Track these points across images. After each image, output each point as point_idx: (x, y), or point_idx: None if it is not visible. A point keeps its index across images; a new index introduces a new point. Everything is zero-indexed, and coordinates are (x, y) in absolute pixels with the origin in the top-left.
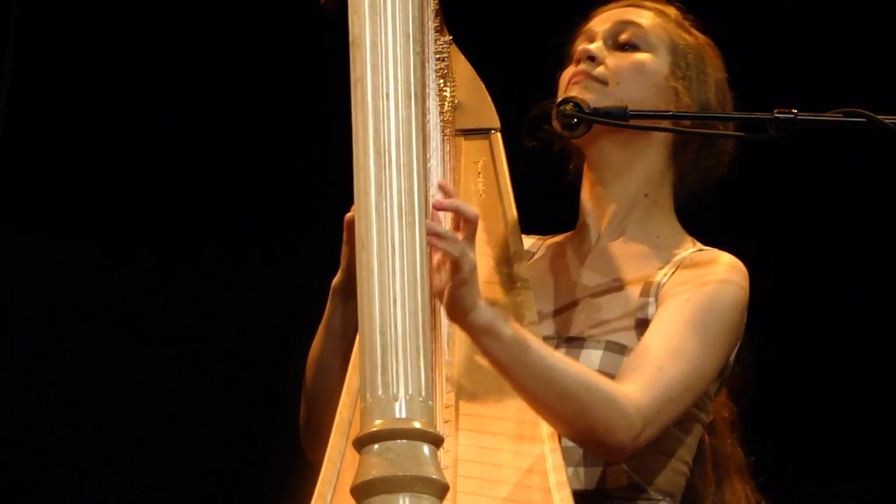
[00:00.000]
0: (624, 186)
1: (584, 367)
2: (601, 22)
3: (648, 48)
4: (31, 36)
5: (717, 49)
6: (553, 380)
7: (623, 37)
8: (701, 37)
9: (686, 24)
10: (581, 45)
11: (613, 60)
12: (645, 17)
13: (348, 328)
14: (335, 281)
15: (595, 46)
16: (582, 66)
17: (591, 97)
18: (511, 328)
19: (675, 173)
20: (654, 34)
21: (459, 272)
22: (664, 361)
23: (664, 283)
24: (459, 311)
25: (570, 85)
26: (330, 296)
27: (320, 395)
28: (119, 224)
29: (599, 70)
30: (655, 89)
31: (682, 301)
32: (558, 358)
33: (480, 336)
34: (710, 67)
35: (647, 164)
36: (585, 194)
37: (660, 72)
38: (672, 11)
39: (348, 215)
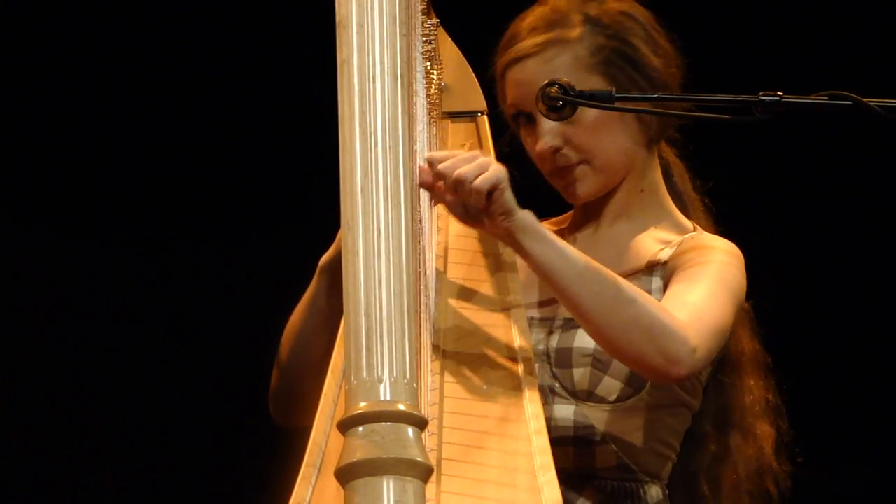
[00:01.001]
0: (618, 196)
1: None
2: (519, 91)
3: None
4: (10, 30)
5: (635, 7)
6: (605, 283)
7: None
8: (599, 11)
9: (583, 15)
10: (519, 116)
11: (570, 137)
12: (559, 68)
13: (333, 307)
14: (324, 258)
15: (547, 135)
16: (555, 165)
17: (586, 185)
18: (550, 232)
19: (658, 155)
20: (577, 77)
21: (498, 181)
22: (699, 301)
23: (669, 260)
24: (502, 217)
25: (556, 182)
26: (317, 273)
27: (299, 367)
28: (108, 217)
29: (570, 155)
30: (616, 119)
31: (698, 265)
32: (604, 267)
33: (525, 236)
34: (639, 48)
35: (634, 172)
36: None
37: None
38: (571, 21)
39: None
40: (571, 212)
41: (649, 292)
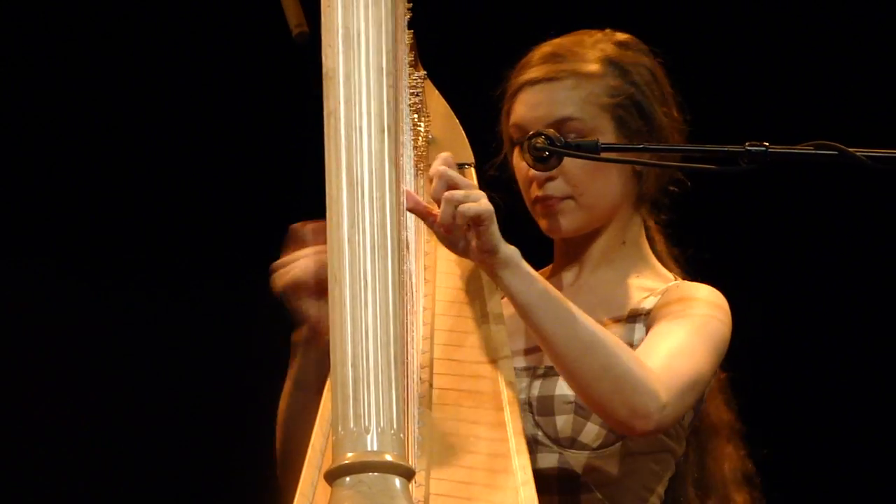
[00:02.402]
0: (600, 243)
1: (605, 330)
2: (531, 113)
3: (591, 132)
4: None
5: (649, 56)
6: (580, 329)
7: (563, 135)
8: (629, 61)
9: (611, 60)
10: (520, 138)
11: (565, 170)
12: (574, 102)
13: (318, 379)
14: (296, 336)
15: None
16: (543, 194)
17: (567, 220)
18: (534, 273)
19: (643, 205)
20: (590, 116)
21: (482, 214)
22: (672, 355)
23: (651, 309)
24: (488, 248)
25: (537, 209)
26: (293, 352)
27: (298, 447)
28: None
29: (561, 187)
30: (615, 168)
31: (678, 318)
32: (582, 313)
33: (505, 272)
34: (652, 99)
35: (618, 220)
36: (559, 245)
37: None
38: (592, 59)
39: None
40: (550, 266)
41: (632, 342)
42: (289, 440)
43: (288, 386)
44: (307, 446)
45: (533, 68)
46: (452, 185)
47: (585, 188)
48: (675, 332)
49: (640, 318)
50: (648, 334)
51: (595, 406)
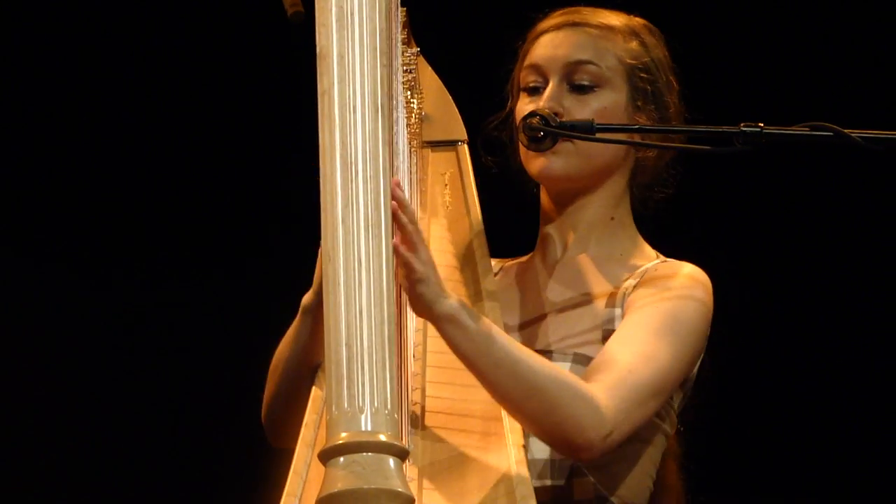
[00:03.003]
0: (588, 214)
1: (552, 364)
2: (549, 52)
3: (605, 83)
4: None
5: (666, 46)
6: (521, 374)
7: (577, 77)
8: (650, 41)
9: (634, 30)
10: (532, 81)
11: (574, 112)
12: (596, 49)
13: (315, 343)
14: (306, 298)
15: (551, 99)
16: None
17: (561, 162)
18: (478, 320)
19: (634, 192)
20: (607, 66)
21: (413, 272)
22: (633, 365)
23: (630, 294)
24: (423, 306)
25: (532, 152)
26: (300, 312)
27: (286, 398)
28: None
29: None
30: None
31: (649, 310)
32: (527, 353)
33: (446, 326)
34: (664, 82)
35: (609, 190)
36: (547, 217)
37: (620, 108)
38: (617, 22)
39: None
40: (530, 255)
41: (612, 327)
42: (280, 387)
43: (287, 339)
44: (296, 392)
45: (558, 16)
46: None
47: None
48: (640, 331)
49: (619, 302)
50: (618, 328)
51: (540, 438)
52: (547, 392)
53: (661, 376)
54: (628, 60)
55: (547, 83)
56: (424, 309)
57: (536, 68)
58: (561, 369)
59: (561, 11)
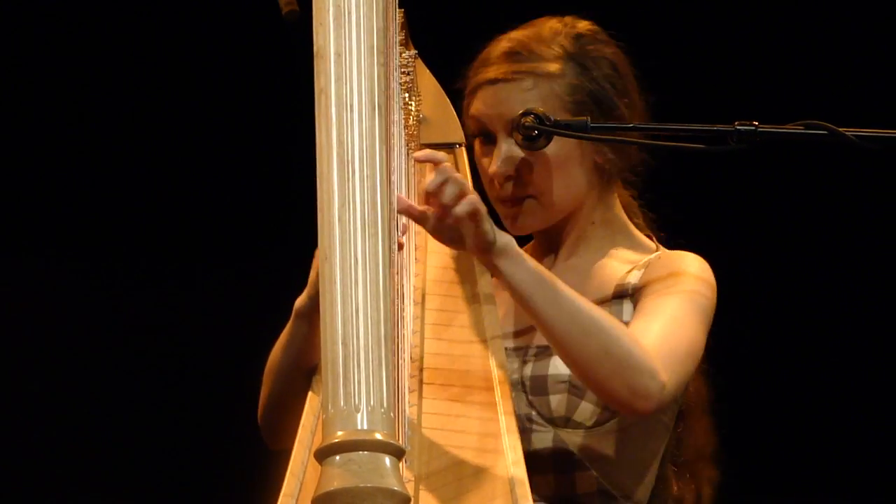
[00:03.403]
0: (573, 230)
1: (606, 312)
2: (489, 109)
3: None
4: None
5: (613, 44)
6: (579, 312)
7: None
8: (593, 54)
9: (571, 55)
10: (480, 131)
11: (524, 171)
12: (532, 98)
13: (310, 346)
14: (299, 301)
15: (504, 164)
16: (505, 193)
17: (529, 220)
18: (532, 259)
19: (612, 187)
20: (548, 107)
21: (477, 212)
22: (666, 329)
23: (637, 285)
24: (485, 244)
25: (499, 207)
26: (293, 316)
27: (281, 400)
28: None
29: (521, 187)
30: (574, 160)
31: (667, 293)
32: (581, 296)
33: (504, 262)
34: (618, 89)
35: (585, 208)
36: (535, 235)
37: (574, 143)
38: (553, 52)
39: None
40: (529, 244)
41: (620, 317)
42: (275, 389)
43: (281, 341)
44: (291, 393)
45: (492, 67)
46: (445, 181)
47: (546, 187)
48: (666, 306)
49: (627, 296)
50: (637, 310)
51: (596, 388)
52: (605, 333)
53: (693, 341)
54: (567, 98)
55: (493, 137)
56: (486, 246)
57: (479, 122)
58: (613, 318)
59: (495, 58)
